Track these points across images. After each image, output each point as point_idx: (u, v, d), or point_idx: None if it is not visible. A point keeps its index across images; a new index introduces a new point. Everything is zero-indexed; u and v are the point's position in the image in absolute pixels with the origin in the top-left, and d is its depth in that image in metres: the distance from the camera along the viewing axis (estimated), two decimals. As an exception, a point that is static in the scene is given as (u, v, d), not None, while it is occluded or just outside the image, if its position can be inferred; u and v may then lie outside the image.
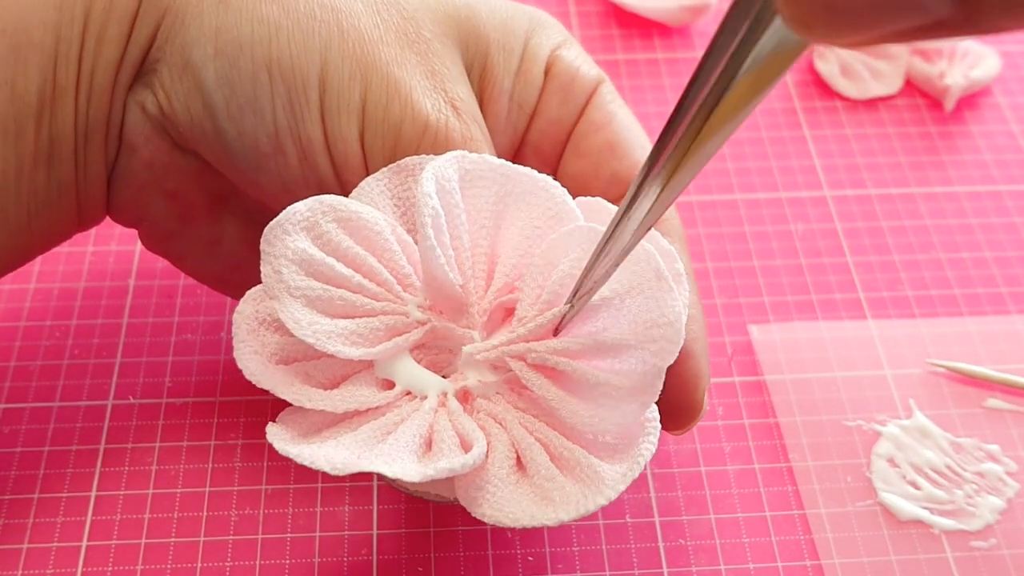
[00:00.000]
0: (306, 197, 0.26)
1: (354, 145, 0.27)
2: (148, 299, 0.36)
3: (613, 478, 0.24)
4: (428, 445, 0.24)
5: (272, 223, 0.25)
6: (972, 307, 0.37)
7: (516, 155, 0.31)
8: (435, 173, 0.25)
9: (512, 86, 0.30)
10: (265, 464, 0.32)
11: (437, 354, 0.26)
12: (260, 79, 0.26)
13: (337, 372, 0.25)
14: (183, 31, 0.27)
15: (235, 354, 0.25)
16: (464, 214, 0.26)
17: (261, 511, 0.31)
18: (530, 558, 0.30)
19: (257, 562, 0.30)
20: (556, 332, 0.25)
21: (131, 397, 0.33)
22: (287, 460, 0.32)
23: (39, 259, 0.37)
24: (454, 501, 0.25)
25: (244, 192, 0.30)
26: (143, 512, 0.31)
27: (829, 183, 0.41)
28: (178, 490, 0.31)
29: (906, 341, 0.36)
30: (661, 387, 0.24)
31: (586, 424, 0.24)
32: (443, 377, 0.26)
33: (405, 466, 0.23)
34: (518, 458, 0.25)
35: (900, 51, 0.44)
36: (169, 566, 0.29)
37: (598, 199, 0.27)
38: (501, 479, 0.24)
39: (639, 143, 0.30)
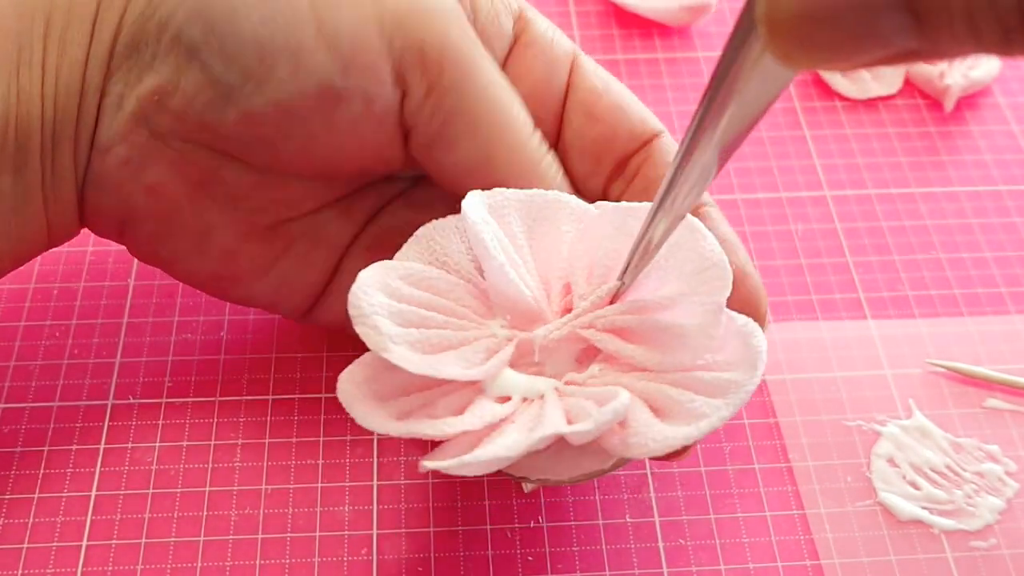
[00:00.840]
0: (317, 129, 0.27)
1: (370, 35, 0.27)
2: (148, 298, 0.36)
3: (739, 381, 0.25)
4: (571, 422, 0.25)
5: (350, 294, 0.26)
6: (972, 307, 0.37)
7: None
8: (472, 207, 0.27)
9: (475, 14, 0.30)
10: (265, 464, 0.32)
11: (526, 367, 0.27)
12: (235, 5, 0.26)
13: (454, 405, 0.26)
14: (159, 7, 0.27)
15: (361, 424, 0.25)
16: (506, 239, 0.28)
17: (261, 511, 0.31)
18: (530, 558, 0.30)
19: (257, 562, 0.30)
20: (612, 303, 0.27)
21: (131, 397, 0.33)
22: (287, 459, 0.32)
23: (39, 258, 0.36)
24: (570, 482, 0.27)
25: (231, 175, 0.29)
26: (143, 512, 0.31)
27: (829, 183, 0.41)
28: (178, 490, 0.31)
29: (906, 341, 0.36)
30: (724, 319, 0.26)
31: (667, 364, 0.26)
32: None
33: (575, 426, 0.24)
34: (649, 405, 0.26)
35: (900, 51, 0.44)
36: (169, 566, 0.29)
37: (609, 203, 0.29)
38: (646, 420, 0.25)
39: (637, 101, 0.32)
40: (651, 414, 0.26)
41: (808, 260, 0.38)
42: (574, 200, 0.29)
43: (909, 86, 0.45)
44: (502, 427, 0.25)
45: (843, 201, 0.40)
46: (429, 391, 0.26)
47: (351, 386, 0.26)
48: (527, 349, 0.27)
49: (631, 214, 0.28)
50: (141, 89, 0.27)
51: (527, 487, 0.30)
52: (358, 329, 0.25)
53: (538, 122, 0.30)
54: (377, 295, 0.26)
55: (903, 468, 0.32)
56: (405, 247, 0.29)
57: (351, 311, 0.26)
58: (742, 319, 0.27)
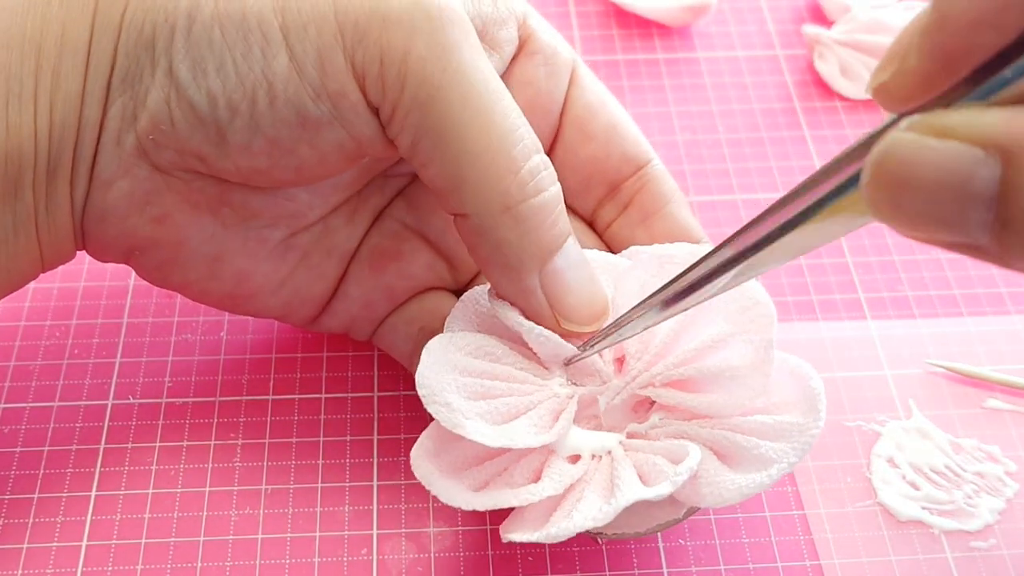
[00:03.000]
0: (307, 154, 0.27)
1: (336, 56, 0.26)
2: (148, 299, 0.36)
3: (803, 425, 0.26)
4: (644, 480, 0.26)
5: (418, 374, 0.26)
6: (972, 307, 0.37)
7: None
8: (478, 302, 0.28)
9: (483, 24, 0.29)
10: (265, 464, 0.32)
11: (587, 420, 0.28)
12: (214, 38, 0.26)
13: (530, 469, 0.27)
14: (138, 33, 0.26)
15: (445, 501, 0.26)
16: None
17: (261, 511, 0.31)
18: (530, 558, 0.30)
19: (257, 562, 0.30)
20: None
21: (131, 397, 0.33)
22: (287, 459, 0.32)
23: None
24: (646, 533, 0.27)
25: (237, 197, 0.29)
26: (143, 512, 0.31)
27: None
28: (178, 490, 0.31)
29: (906, 341, 0.36)
30: (774, 355, 0.27)
31: (727, 408, 0.27)
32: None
33: (655, 490, 0.25)
34: (715, 452, 0.27)
35: (900, 51, 0.44)
36: (169, 566, 0.29)
37: (642, 250, 0.29)
38: (715, 467, 0.26)
39: (632, 123, 0.32)
40: (719, 461, 0.26)
41: (808, 260, 0.38)
42: (601, 255, 0.30)
43: (909, 86, 0.44)
44: (577, 488, 0.26)
45: (843, 201, 0.40)
46: (502, 457, 0.27)
47: (426, 462, 0.27)
48: (587, 402, 0.28)
49: (667, 260, 0.28)
50: (139, 126, 0.27)
51: (601, 539, 0.30)
52: (429, 408, 0.26)
53: (535, 132, 0.29)
54: (443, 372, 0.26)
55: (903, 468, 0.32)
56: (454, 312, 0.29)
57: (420, 391, 0.26)
58: (795, 360, 0.27)
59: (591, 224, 0.33)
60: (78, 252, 0.30)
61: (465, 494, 0.26)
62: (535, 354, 0.28)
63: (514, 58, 0.31)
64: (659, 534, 0.30)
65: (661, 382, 0.28)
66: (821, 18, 0.47)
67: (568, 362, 0.28)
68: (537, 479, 0.26)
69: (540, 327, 0.27)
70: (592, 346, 0.28)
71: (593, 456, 0.27)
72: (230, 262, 0.30)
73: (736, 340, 0.27)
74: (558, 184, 0.27)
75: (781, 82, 0.45)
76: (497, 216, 0.26)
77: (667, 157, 0.41)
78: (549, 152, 0.31)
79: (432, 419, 0.26)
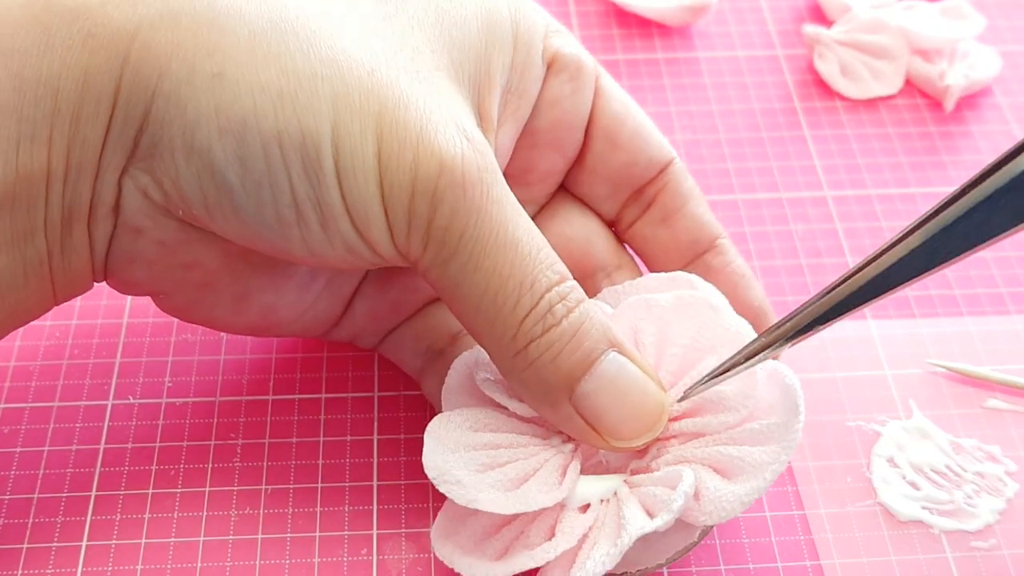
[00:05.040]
0: (331, 257, 0.26)
1: (374, 205, 0.25)
2: (148, 299, 0.36)
3: (787, 423, 0.27)
4: (650, 513, 0.26)
5: (424, 457, 0.27)
6: (972, 307, 0.37)
7: (523, 141, 0.31)
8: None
9: (508, 80, 0.29)
10: (265, 464, 0.32)
11: (592, 468, 0.28)
12: (271, 152, 0.25)
13: (544, 528, 0.27)
14: (180, 114, 0.25)
15: (465, 574, 0.27)
16: None
17: (261, 510, 0.31)
18: (530, 558, 0.30)
19: (257, 562, 0.30)
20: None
21: (131, 397, 0.33)
22: (287, 459, 0.32)
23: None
24: (667, 563, 0.28)
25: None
26: (143, 512, 0.31)
27: (829, 183, 0.41)
28: (178, 490, 0.31)
29: (906, 341, 0.36)
30: (757, 374, 0.27)
31: (718, 426, 0.27)
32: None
33: (655, 521, 0.25)
34: (713, 468, 0.27)
35: (900, 51, 0.44)
36: (169, 566, 0.29)
37: (678, 274, 0.30)
38: (715, 484, 0.26)
39: (653, 126, 0.32)
40: (718, 477, 0.26)
41: (808, 260, 0.38)
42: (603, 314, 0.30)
43: (909, 86, 0.45)
44: (591, 536, 0.27)
45: (843, 201, 0.40)
46: (517, 521, 0.27)
47: (446, 543, 0.28)
48: (590, 451, 0.28)
49: (653, 304, 0.29)
50: (168, 188, 0.26)
51: None
52: (441, 488, 0.26)
53: (563, 147, 0.31)
54: (449, 453, 0.27)
55: (903, 468, 0.32)
56: (448, 382, 0.29)
57: (430, 474, 0.27)
58: (770, 363, 0.27)
59: (614, 224, 0.33)
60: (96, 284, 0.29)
61: (486, 566, 0.26)
62: (529, 418, 0.29)
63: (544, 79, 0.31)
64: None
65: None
66: (821, 18, 0.47)
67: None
68: (552, 536, 0.27)
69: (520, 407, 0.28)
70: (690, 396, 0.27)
71: (602, 501, 0.27)
72: (257, 299, 0.30)
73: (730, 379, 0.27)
74: (584, 304, 0.27)
75: (781, 82, 0.45)
76: (510, 361, 0.26)
77: (667, 157, 0.41)
78: (577, 163, 0.32)
79: (445, 497, 0.27)
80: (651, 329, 0.28)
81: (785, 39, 0.46)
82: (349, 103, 0.25)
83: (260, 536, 0.30)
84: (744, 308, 0.30)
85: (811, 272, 0.38)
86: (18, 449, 0.32)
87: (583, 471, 0.28)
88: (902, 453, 0.32)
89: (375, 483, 0.31)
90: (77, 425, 0.32)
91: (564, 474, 0.27)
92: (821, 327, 0.25)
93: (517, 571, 0.26)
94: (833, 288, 0.24)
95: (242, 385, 0.34)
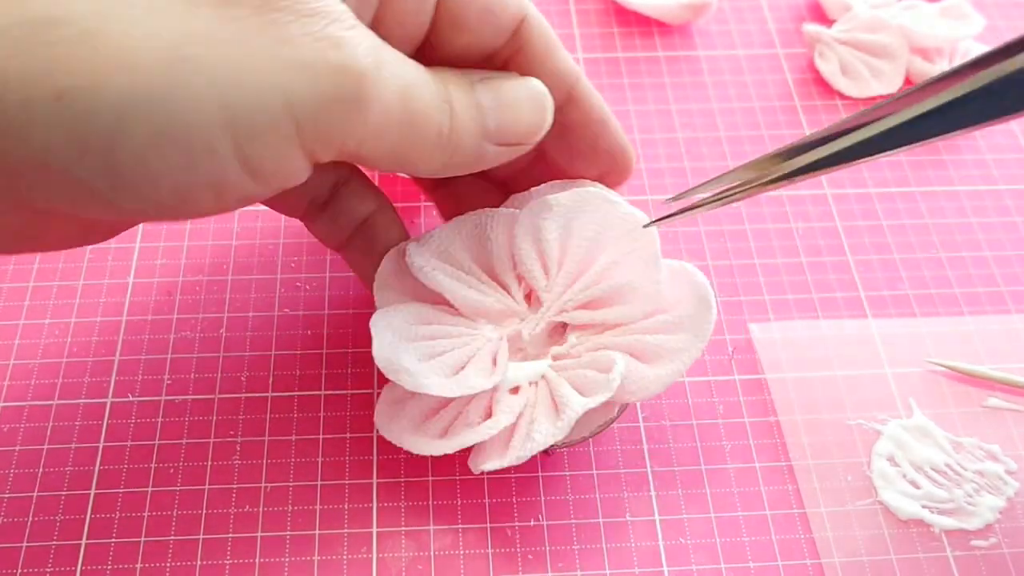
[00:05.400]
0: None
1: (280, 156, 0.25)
2: (147, 296, 0.36)
3: (698, 315, 0.30)
4: (581, 392, 0.29)
5: (374, 350, 0.29)
6: (972, 306, 0.37)
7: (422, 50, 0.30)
8: (415, 260, 0.31)
9: None
10: (264, 462, 0.32)
11: (515, 354, 0.31)
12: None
13: (482, 408, 0.30)
14: None
15: (417, 453, 0.30)
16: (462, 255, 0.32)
17: (260, 508, 0.31)
18: (530, 556, 0.30)
19: (256, 560, 0.30)
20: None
21: (130, 395, 0.33)
22: (286, 457, 0.32)
23: (38, 257, 0.36)
24: (589, 436, 0.31)
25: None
26: (142, 510, 0.31)
27: (829, 182, 0.41)
28: (177, 488, 0.31)
29: (906, 340, 0.36)
30: (661, 265, 0.30)
31: (632, 316, 0.31)
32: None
33: (597, 398, 0.29)
34: (631, 354, 0.30)
35: (900, 50, 0.44)
36: (168, 564, 0.29)
37: (577, 181, 0.32)
38: (635, 367, 0.29)
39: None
40: (637, 362, 0.30)
41: (809, 259, 0.38)
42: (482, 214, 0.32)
43: (909, 85, 0.45)
44: (527, 414, 0.29)
45: (844, 200, 0.40)
46: (454, 403, 0.30)
47: (390, 424, 0.30)
48: (512, 339, 0.31)
49: (554, 203, 0.31)
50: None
51: (551, 452, 0.32)
52: (392, 377, 0.29)
53: (407, 43, 0.29)
54: (396, 345, 0.30)
55: (903, 467, 0.32)
56: (380, 274, 0.31)
57: (380, 364, 0.29)
58: (676, 263, 0.31)
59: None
60: (80, 248, 0.29)
61: (434, 443, 0.29)
62: (457, 310, 0.31)
63: None
64: (659, 532, 0.30)
65: (572, 306, 0.31)
66: (821, 17, 0.47)
67: (647, 225, 0.30)
68: (489, 415, 0.29)
69: (460, 285, 0.31)
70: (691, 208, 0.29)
71: (530, 384, 0.30)
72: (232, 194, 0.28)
73: (628, 259, 0.31)
74: (456, 103, 0.28)
75: (781, 80, 0.45)
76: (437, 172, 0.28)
77: (668, 155, 0.41)
78: (427, 46, 0.30)
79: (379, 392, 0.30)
80: (553, 226, 0.31)
81: (785, 38, 0.46)
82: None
83: (259, 534, 0.30)
84: (604, 154, 0.32)
85: (812, 270, 0.38)
86: (17, 447, 0.32)
87: (511, 357, 0.31)
88: (902, 452, 0.32)
89: (375, 481, 0.31)
90: (76, 423, 0.32)
91: (495, 360, 0.30)
92: (824, 170, 0.25)
93: (463, 446, 0.29)
94: (839, 133, 0.24)
95: (241, 382, 0.34)
